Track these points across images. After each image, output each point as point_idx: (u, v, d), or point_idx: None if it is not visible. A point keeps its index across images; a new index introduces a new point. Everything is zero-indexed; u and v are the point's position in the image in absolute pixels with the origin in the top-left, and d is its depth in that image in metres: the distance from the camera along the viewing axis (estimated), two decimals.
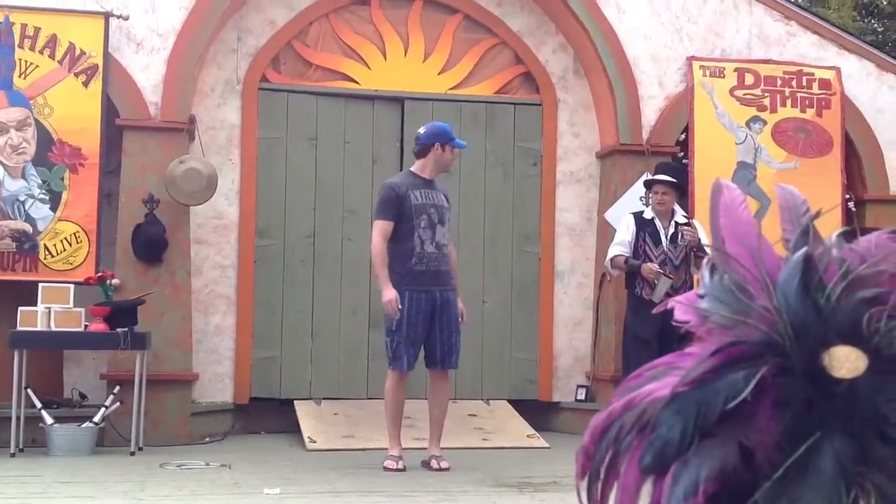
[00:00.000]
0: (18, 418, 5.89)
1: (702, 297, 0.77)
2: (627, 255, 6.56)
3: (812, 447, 0.66)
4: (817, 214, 0.78)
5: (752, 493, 0.67)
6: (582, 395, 7.43)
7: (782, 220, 0.78)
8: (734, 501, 0.66)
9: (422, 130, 5.72)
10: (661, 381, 0.72)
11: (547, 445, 6.46)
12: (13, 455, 5.75)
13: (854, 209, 7.60)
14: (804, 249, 0.73)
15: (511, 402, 7.28)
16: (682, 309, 0.78)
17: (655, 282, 6.42)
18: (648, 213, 6.67)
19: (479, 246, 7.52)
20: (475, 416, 7.02)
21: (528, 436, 6.69)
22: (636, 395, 0.71)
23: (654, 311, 0.89)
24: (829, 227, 0.76)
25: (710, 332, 0.75)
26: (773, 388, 0.68)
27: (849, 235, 0.77)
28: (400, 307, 5.37)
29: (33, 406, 6.01)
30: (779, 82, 7.41)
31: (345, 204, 7.33)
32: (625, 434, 0.70)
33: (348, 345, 7.25)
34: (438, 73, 7.54)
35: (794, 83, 7.43)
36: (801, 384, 0.68)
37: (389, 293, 5.37)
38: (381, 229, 5.48)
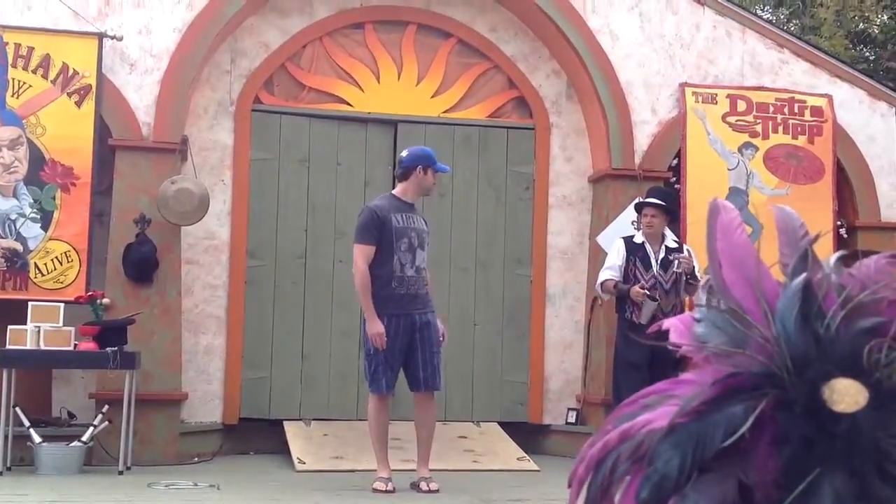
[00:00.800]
0: (6, 437, 5.85)
1: (698, 321, 0.75)
2: (617, 279, 6.58)
3: (812, 485, 0.65)
4: (816, 238, 0.76)
5: None
6: (573, 418, 7.41)
7: (780, 244, 0.76)
8: None
9: (404, 154, 5.76)
10: (657, 411, 0.70)
11: (537, 468, 6.45)
12: (1, 473, 5.72)
13: (846, 236, 7.63)
14: (803, 276, 0.71)
15: (501, 424, 7.27)
16: (677, 332, 0.77)
17: (641, 306, 6.44)
18: (639, 238, 6.70)
19: (471, 268, 7.53)
20: (465, 437, 7.00)
21: (518, 458, 6.67)
22: (633, 426, 0.69)
23: (648, 332, 0.88)
24: (821, 254, 0.74)
25: (706, 359, 0.73)
26: (771, 423, 0.67)
27: (847, 259, 0.76)
28: (387, 338, 5.37)
29: (21, 424, 5.98)
30: (771, 109, 7.46)
31: (336, 226, 7.33)
32: (621, 465, 0.69)
33: (338, 366, 7.24)
34: (432, 97, 7.58)
35: (786, 110, 7.48)
36: (800, 420, 0.66)
37: (378, 326, 5.37)
38: (364, 254, 5.48)
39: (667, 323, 0.75)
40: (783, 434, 0.66)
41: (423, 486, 5.39)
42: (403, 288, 5.49)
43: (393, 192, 5.78)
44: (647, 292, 6.41)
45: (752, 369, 0.68)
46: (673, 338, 0.75)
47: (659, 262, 6.57)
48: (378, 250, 5.47)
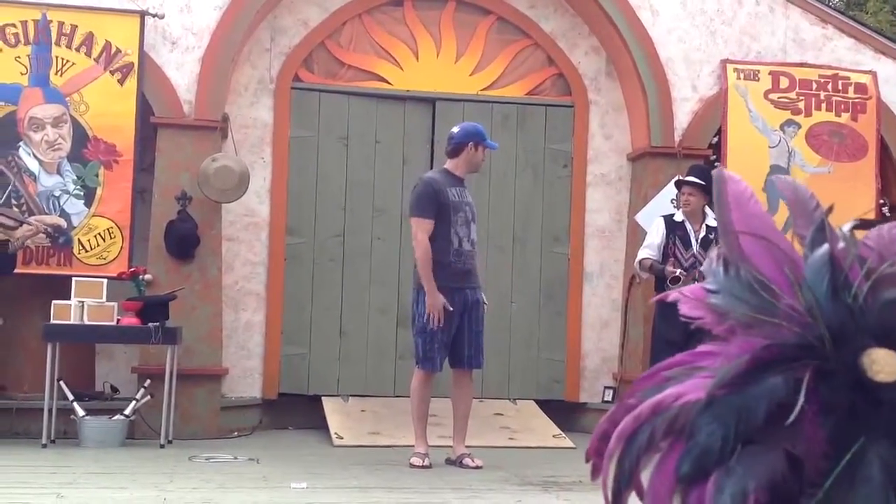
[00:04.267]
0: (51, 410, 5.97)
1: (714, 292, 0.74)
2: (655, 258, 6.54)
3: (857, 454, 0.65)
4: (830, 209, 0.75)
5: (799, 502, 0.65)
6: (609, 396, 7.41)
7: (793, 215, 0.76)
8: None
9: (455, 130, 5.74)
10: (687, 384, 0.69)
11: (573, 446, 6.45)
12: (45, 446, 5.84)
13: (889, 213, 7.51)
14: (825, 247, 0.70)
15: (537, 401, 7.28)
16: (689, 304, 0.75)
17: (669, 286, 6.41)
18: (679, 216, 6.65)
19: (509, 246, 7.52)
20: (501, 415, 7.02)
21: (554, 436, 6.68)
22: (665, 398, 0.68)
23: (653, 299, 0.87)
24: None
25: (731, 330, 0.72)
26: (814, 393, 0.66)
27: (860, 227, 0.75)
28: (450, 309, 5.35)
29: (65, 398, 6.09)
30: (814, 86, 7.35)
31: (375, 203, 7.36)
32: (657, 439, 0.68)
33: (376, 343, 7.29)
34: (470, 74, 7.55)
35: (829, 87, 7.36)
36: (842, 389, 0.66)
37: (440, 299, 5.36)
38: (424, 227, 5.45)
39: (673, 295, 0.74)
40: (827, 404, 0.66)
41: (468, 461, 5.41)
42: (461, 262, 5.49)
43: (444, 166, 5.77)
44: (676, 272, 6.38)
45: (787, 340, 0.67)
46: (685, 310, 0.74)
47: (699, 241, 6.52)
48: (436, 224, 5.46)
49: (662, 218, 6.69)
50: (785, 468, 0.64)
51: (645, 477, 0.71)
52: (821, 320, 0.67)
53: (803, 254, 0.73)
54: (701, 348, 0.75)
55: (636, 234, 7.14)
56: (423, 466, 5.36)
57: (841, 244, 0.72)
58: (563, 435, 6.69)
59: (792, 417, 0.65)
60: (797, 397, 0.65)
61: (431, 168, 6.94)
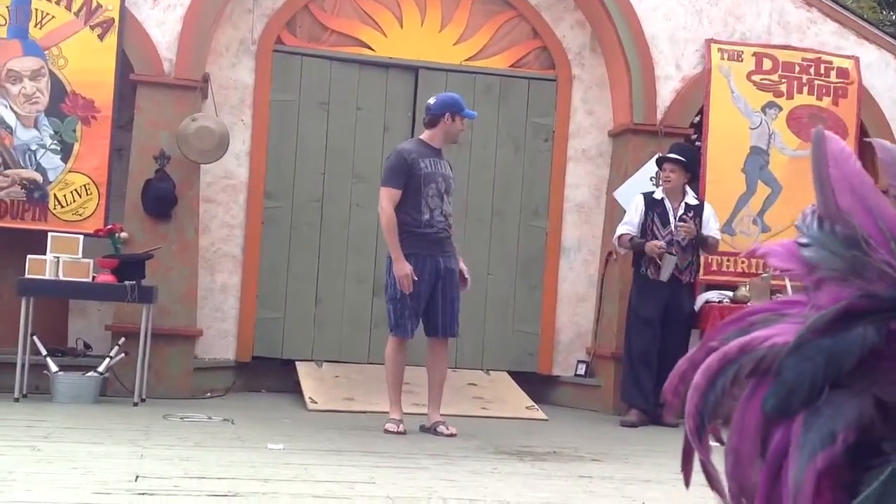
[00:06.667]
0: (23, 365, 5.92)
1: (806, 245, 0.74)
2: (634, 234, 6.59)
3: None
4: None
5: (881, 448, 0.66)
6: (581, 370, 7.46)
7: (886, 175, 0.77)
8: (866, 455, 0.66)
9: (432, 100, 5.72)
10: (775, 328, 0.70)
11: (545, 417, 6.50)
12: (17, 400, 5.80)
13: None
14: None
15: (511, 373, 7.32)
16: (778, 257, 0.76)
17: (659, 260, 6.46)
18: (658, 194, 6.70)
19: (487, 219, 7.53)
20: (475, 385, 7.06)
21: (527, 407, 6.73)
22: (752, 339, 0.69)
23: (743, 254, 0.86)
24: None
25: (820, 281, 0.72)
26: None
27: None
28: (416, 279, 5.37)
29: (38, 353, 6.04)
30: (797, 69, 7.39)
31: (354, 170, 7.33)
32: (742, 377, 0.68)
33: (351, 310, 7.28)
34: (454, 44, 7.52)
35: (812, 70, 7.41)
36: None
37: (405, 267, 5.37)
38: (390, 196, 5.47)
39: (763, 248, 0.75)
40: None
41: (443, 429, 5.43)
42: (432, 232, 5.50)
43: (421, 137, 5.76)
44: (664, 246, 6.44)
45: (881, 293, 0.68)
46: (775, 262, 0.75)
47: (677, 218, 6.58)
48: (406, 194, 5.46)
49: (642, 195, 6.73)
50: (873, 413, 0.65)
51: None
52: None
53: None
54: (786, 297, 0.76)
55: (615, 211, 7.17)
56: (397, 433, 5.37)
57: None
58: (536, 407, 6.74)
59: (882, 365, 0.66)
60: (891, 347, 0.66)
61: (412, 136, 6.92)
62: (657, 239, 6.54)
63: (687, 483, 0.71)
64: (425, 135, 5.70)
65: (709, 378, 0.69)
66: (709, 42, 7.35)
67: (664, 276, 6.46)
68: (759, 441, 0.67)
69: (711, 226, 6.69)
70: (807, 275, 0.72)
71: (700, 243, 6.62)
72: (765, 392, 0.67)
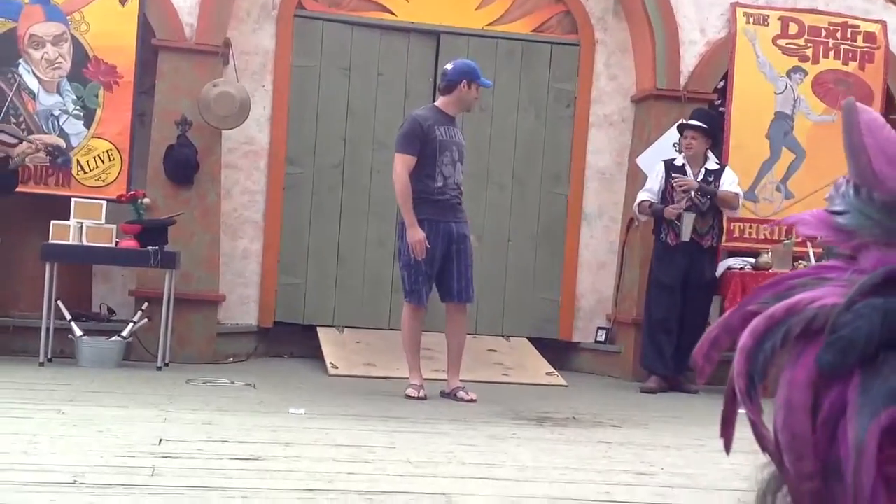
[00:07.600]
0: (48, 329, 5.99)
1: (840, 213, 0.74)
2: (654, 200, 6.57)
3: None
4: None
5: None
6: (602, 336, 7.46)
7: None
8: None
9: (449, 67, 5.70)
10: (820, 290, 0.69)
11: (565, 384, 6.52)
12: (42, 364, 5.87)
13: None
14: None
15: (531, 340, 7.33)
16: (809, 225, 0.75)
17: (677, 222, 6.45)
18: (680, 160, 6.66)
19: (508, 185, 7.51)
20: (495, 351, 7.08)
21: (546, 373, 6.75)
22: (800, 301, 0.68)
23: (784, 220, 0.85)
24: None
25: (860, 247, 0.72)
26: None
27: None
28: (428, 246, 5.39)
29: (63, 318, 6.11)
30: (823, 33, 7.28)
31: (375, 136, 7.32)
32: (791, 338, 0.68)
33: (372, 276, 7.30)
34: (476, 9, 7.46)
35: (838, 35, 7.30)
36: None
37: (419, 233, 5.38)
38: (405, 163, 5.47)
39: (793, 218, 0.75)
40: None
41: (463, 395, 5.46)
42: (446, 198, 5.51)
43: (436, 104, 5.74)
44: (681, 208, 6.40)
45: None
46: (805, 231, 0.74)
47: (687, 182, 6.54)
48: (421, 161, 5.46)
49: (663, 162, 6.69)
50: None
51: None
52: None
53: None
54: (826, 263, 0.75)
55: (636, 177, 7.13)
56: (418, 398, 5.41)
57: None
58: (556, 373, 6.75)
59: None
60: None
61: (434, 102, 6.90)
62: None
63: (728, 448, 0.71)
64: (440, 101, 5.68)
65: (756, 338, 0.68)
66: (734, 5, 7.25)
67: (685, 235, 6.45)
68: (812, 396, 0.67)
69: (728, 183, 6.60)
70: (844, 241, 0.71)
71: (713, 197, 6.54)
72: (818, 350, 0.66)
